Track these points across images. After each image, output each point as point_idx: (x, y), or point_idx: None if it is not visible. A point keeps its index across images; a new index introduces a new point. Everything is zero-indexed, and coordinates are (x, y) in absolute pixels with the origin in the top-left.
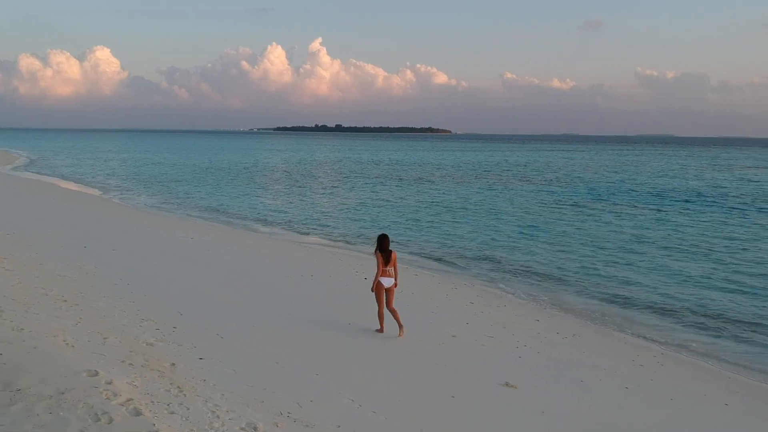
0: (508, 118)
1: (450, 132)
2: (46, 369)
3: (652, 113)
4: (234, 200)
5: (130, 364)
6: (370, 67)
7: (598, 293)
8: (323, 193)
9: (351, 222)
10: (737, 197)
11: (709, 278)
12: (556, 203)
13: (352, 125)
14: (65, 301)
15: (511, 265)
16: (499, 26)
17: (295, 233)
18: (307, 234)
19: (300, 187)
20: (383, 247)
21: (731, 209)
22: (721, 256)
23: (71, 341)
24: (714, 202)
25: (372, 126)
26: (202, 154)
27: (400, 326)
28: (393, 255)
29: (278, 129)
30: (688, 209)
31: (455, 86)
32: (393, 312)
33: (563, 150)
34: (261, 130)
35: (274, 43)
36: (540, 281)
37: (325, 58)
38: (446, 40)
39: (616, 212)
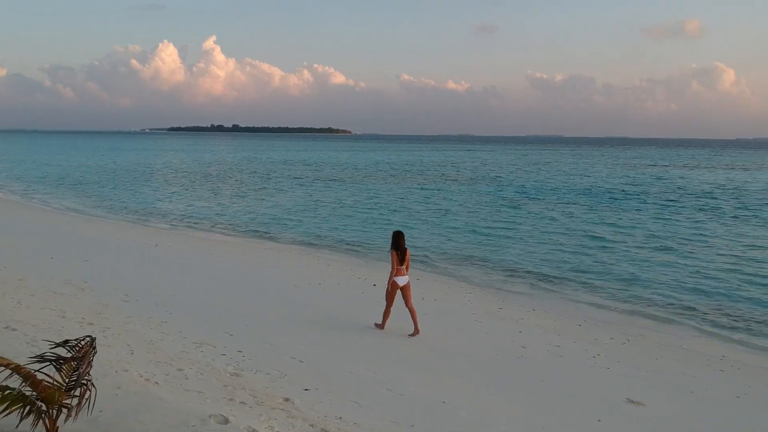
0: (407, 118)
1: (350, 132)
2: (159, 417)
3: (542, 114)
4: (166, 203)
5: (242, 402)
6: (266, 67)
7: (610, 293)
8: (259, 195)
9: (312, 223)
10: (663, 193)
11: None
12: (493, 201)
13: (250, 125)
14: (91, 324)
15: (498, 265)
16: (396, 28)
17: (255, 236)
18: (272, 237)
19: (229, 188)
20: (398, 244)
21: (670, 204)
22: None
23: (148, 376)
24: (657, 197)
25: (271, 126)
26: (100, 154)
27: (416, 327)
28: (407, 253)
29: (172, 129)
30: (637, 206)
31: (353, 87)
32: (411, 311)
33: (469, 150)
34: (154, 131)
35: (165, 41)
36: (535, 281)
37: (219, 56)
38: (343, 41)
39: (567, 209)
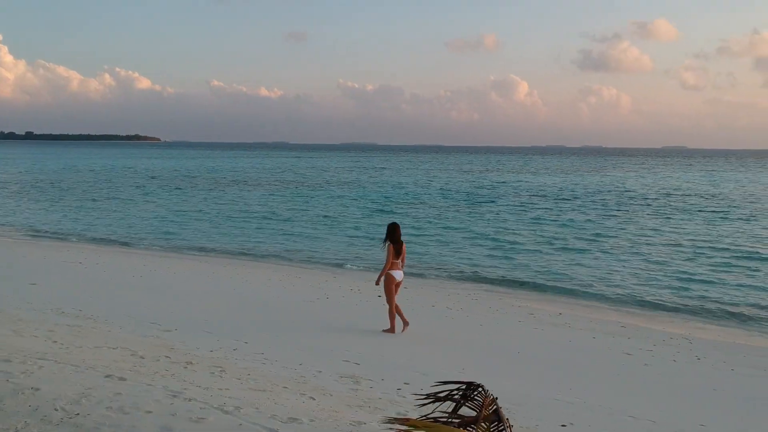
0: (219, 125)
1: (159, 140)
2: None
3: (355, 122)
4: (50, 215)
5: None
6: (62, 70)
7: (592, 292)
8: (127, 205)
9: (212, 232)
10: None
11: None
12: (375, 204)
13: (47, 132)
14: (142, 357)
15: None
16: (206, 32)
17: (173, 249)
18: (202, 249)
19: (92, 200)
20: (395, 237)
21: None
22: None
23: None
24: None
25: (71, 133)
26: None
27: (405, 322)
28: (404, 246)
29: None
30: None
31: (161, 92)
32: (397, 307)
33: (297, 157)
34: None
35: None
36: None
37: (7, 57)
38: (149, 44)
39: (466, 210)
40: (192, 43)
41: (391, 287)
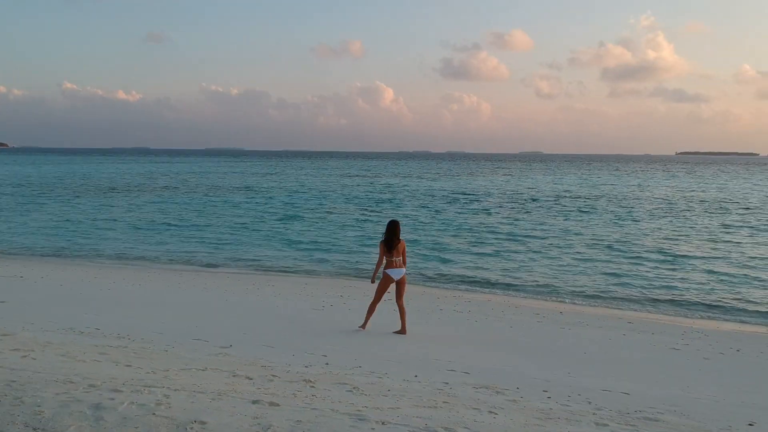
0: (73, 129)
1: (6, 145)
2: None
3: (220, 127)
4: None
5: None
6: None
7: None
8: (8, 215)
9: (142, 242)
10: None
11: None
12: (285, 210)
13: None
14: (249, 378)
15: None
16: (54, 33)
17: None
18: (144, 258)
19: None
20: (388, 235)
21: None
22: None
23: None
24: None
25: None
26: None
27: (404, 326)
28: (401, 244)
29: None
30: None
31: (6, 94)
32: (400, 309)
33: (168, 162)
34: None
35: None
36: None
37: None
38: None
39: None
40: (40, 44)
41: (383, 285)
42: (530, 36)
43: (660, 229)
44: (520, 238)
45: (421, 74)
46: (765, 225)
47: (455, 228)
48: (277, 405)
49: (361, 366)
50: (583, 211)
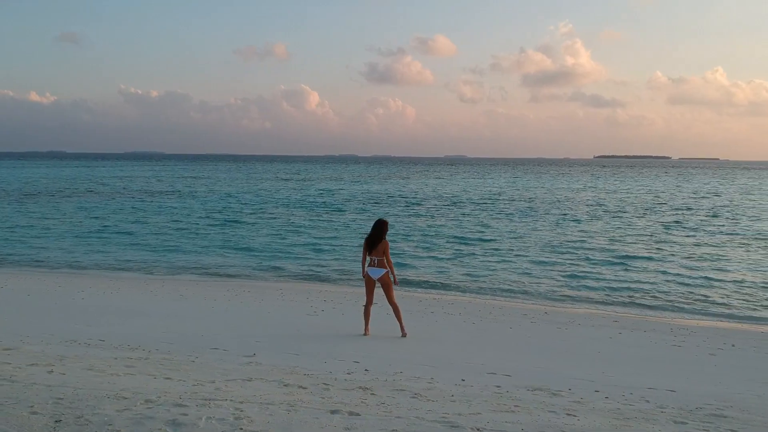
0: None
1: None
2: None
3: (140, 131)
4: None
5: None
6: None
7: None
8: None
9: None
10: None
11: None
12: (223, 214)
13: None
14: (303, 387)
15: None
16: None
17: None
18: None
19: None
20: (371, 234)
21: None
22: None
23: None
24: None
25: None
26: None
27: (402, 328)
28: (381, 243)
29: None
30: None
31: None
32: (394, 308)
33: (88, 167)
34: None
35: None
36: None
37: None
38: None
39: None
40: None
41: (366, 286)
42: (453, 41)
43: (606, 230)
44: (471, 242)
45: (347, 78)
46: (696, 225)
47: (405, 232)
48: (358, 414)
49: (402, 371)
50: (525, 214)
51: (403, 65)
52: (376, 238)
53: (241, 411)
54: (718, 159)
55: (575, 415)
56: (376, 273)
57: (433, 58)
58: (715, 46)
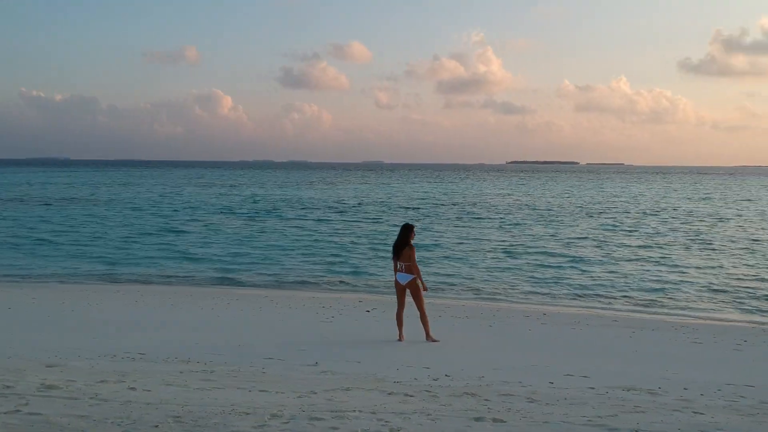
0: None
1: None
2: None
3: (44, 136)
4: None
5: None
6: None
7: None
8: None
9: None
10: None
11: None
12: (160, 221)
13: None
14: (410, 395)
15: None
16: None
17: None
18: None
19: None
20: (397, 239)
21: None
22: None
23: None
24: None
25: None
26: None
27: (428, 334)
28: (406, 249)
29: None
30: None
31: None
32: (421, 315)
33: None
34: None
35: None
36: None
37: None
38: None
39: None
40: None
41: (397, 291)
42: (369, 48)
43: (554, 234)
44: (428, 246)
45: (261, 83)
46: (630, 227)
47: (355, 237)
48: (503, 421)
49: (484, 376)
50: (472, 217)
51: (318, 70)
52: (400, 244)
53: (387, 422)
54: (623, 164)
55: (701, 413)
56: (403, 278)
57: (349, 64)
58: (619, 57)
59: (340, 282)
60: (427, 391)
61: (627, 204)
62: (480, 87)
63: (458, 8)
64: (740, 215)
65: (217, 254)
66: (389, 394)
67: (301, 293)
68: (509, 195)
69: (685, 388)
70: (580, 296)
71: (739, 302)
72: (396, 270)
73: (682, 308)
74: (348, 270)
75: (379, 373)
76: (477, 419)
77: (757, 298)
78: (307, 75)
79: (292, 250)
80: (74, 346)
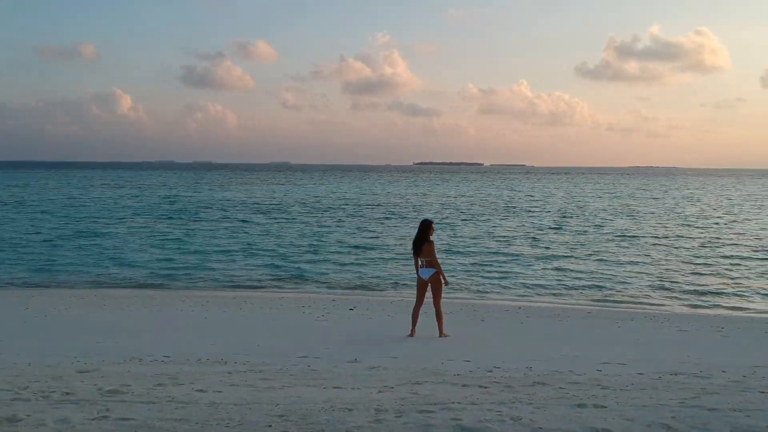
0: None
1: None
2: None
3: None
4: None
5: None
6: None
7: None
8: None
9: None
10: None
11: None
12: (77, 224)
13: None
14: (488, 387)
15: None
16: None
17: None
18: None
19: None
20: (416, 236)
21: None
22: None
23: None
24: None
25: None
26: None
27: (440, 330)
28: (425, 246)
29: None
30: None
31: None
32: (437, 311)
33: None
34: None
35: None
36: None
37: None
38: None
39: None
40: None
41: (418, 288)
42: (274, 48)
43: (491, 232)
44: (367, 245)
45: (163, 82)
46: (557, 224)
47: (292, 238)
48: (604, 407)
49: (531, 367)
50: (399, 217)
51: (222, 69)
52: (420, 240)
53: (498, 411)
54: (524, 165)
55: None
56: (426, 273)
57: (255, 64)
58: (520, 61)
59: (296, 282)
60: (496, 382)
61: (545, 204)
62: (387, 89)
63: (364, 10)
64: (653, 213)
65: (156, 258)
66: (463, 386)
67: (270, 294)
68: (427, 195)
69: (723, 371)
70: (554, 294)
71: (680, 294)
72: (417, 266)
73: (633, 301)
74: (296, 271)
75: (429, 366)
76: (579, 405)
77: (694, 292)
78: (211, 74)
79: (230, 252)
80: (94, 350)
